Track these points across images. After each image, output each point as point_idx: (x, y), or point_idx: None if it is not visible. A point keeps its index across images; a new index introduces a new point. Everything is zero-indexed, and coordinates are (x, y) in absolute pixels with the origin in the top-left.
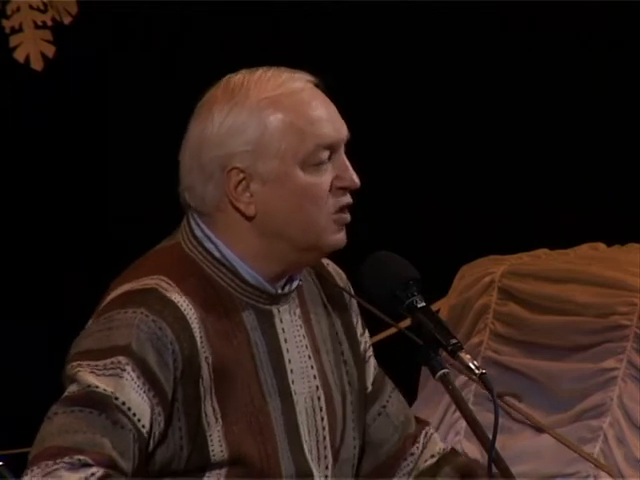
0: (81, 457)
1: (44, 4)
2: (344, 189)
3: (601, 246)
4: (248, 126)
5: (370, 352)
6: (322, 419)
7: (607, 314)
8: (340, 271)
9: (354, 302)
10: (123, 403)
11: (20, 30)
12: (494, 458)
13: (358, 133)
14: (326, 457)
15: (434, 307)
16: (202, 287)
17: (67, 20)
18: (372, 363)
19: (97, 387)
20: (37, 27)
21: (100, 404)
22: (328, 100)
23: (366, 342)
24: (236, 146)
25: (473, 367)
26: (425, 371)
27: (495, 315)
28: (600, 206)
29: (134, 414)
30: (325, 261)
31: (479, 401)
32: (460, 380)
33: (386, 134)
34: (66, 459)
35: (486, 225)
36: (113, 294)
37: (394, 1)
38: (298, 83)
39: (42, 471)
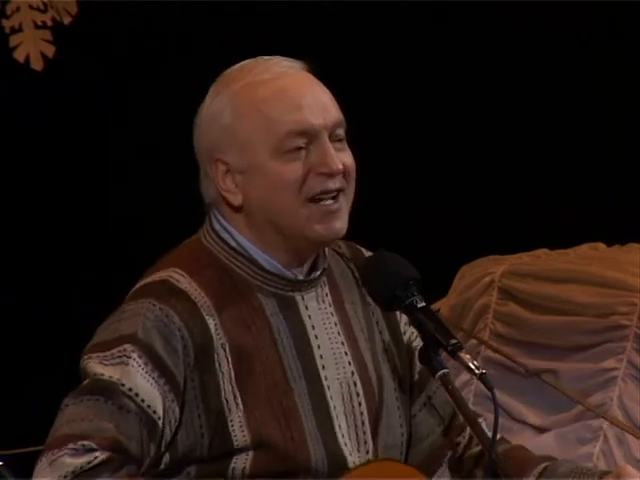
0: (85, 442)
1: (44, 4)
2: (324, 175)
3: (601, 246)
4: (223, 113)
5: (417, 342)
6: (359, 404)
7: (607, 314)
8: None
9: None
10: (130, 389)
11: (20, 30)
12: (494, 458)
13: (358, 133)
14: (366, 442)
15: (434, 307)
16: (218, 277)
17: (67, 20)
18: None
19: (102, 375)
20: (37, 27)
21: (106, 391)
22: (316, 86)
23: (412, 332)
24: (216, 136)
25: (473, 367)
26: None
27: (495, 315)
28: (600, 206)
29: (142, 400)
30: (359, 247)
31: (479, 401)
32: (460, 380)
33: (386, 134)
34: (70, 445)
35: (486, 225)
36: (132, 290)
37: (395, 0)
38: (282, 69)
39: (48, 459)
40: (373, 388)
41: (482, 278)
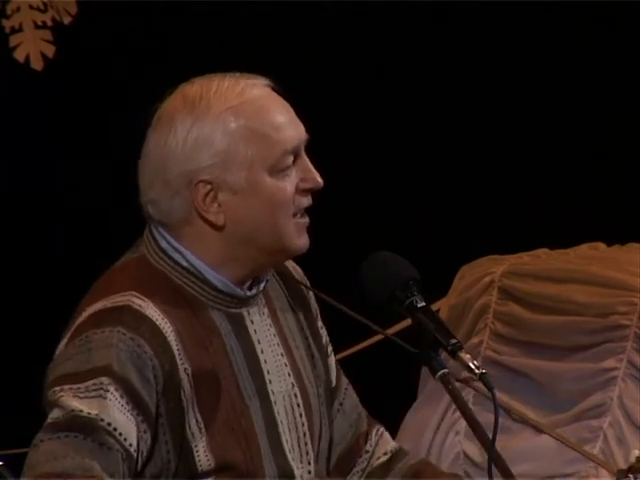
0: None
1: (44, 4)
2: (308, 191)
3: (601, 246)
4: (214, 139)
5: (330, 346)
6: (300, 415)
7: (607, 314)
8: (296, 266)
9: (312, 296)
10: (109, 424)
11: (20, 30)
12: (494, 458)
13: (358, 134)
14: (308, 453)
15: (434, 307)
16: (173, 299)
17: (67, 20)
18: (333, 357)
19: (81, 411)
20: (37, 27)
21: (85, 427)
22: (286, 103)
23: (326, 335)
24: (203, 160)
25: (473, 367)
26: (425, 371)
27: (495, 315)
28: (600, 206)
29: (120, 434)
30: None
31: (479, 401)
32: None
33: (386, 134)
34: None
35: (486, 225)
36: (85, 314)
37: (393, 1)
38: (257, 90)
39: None
40: (309, 398)
41: (482, 278)
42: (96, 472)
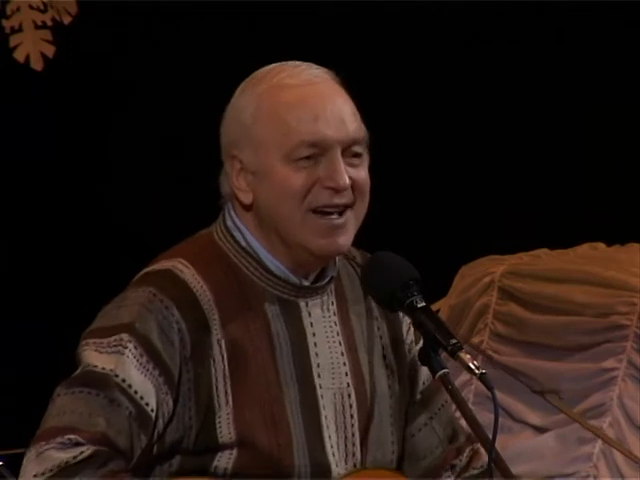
0: (72, 436)
1: (44, 4)
2: (330, 189)
3: (601, 246)
4: (245, 112)
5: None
6: (352, 416)
7: (607, 314)
8: None
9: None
10: (123, 380)
11: (20, 30)
12: (494, 458)
13: None
14: (354, 455)
15: (434, 307)
16: (224, 274)
17: (67, 20)
18: (423, 373)
19: (96, 366)
20: (37, 27)
21: (99, 383)
22: (339, 98)
23: (417, 350)
24: (234, 132)
25: (473, 367)
26: None
27: (495, 315)
28: (600, 206)
29: (135, 391)
30: None
31: (479, 401)
32: (460, 380)
33: (386, 134)
34: (58, 439)
35: (486, 225)
36: (137, 276)
37: (397, 1)
38: (308, 76)
39: (36, 452)
40: (367, 401)
41: (482, 278)
42: (100, 427)
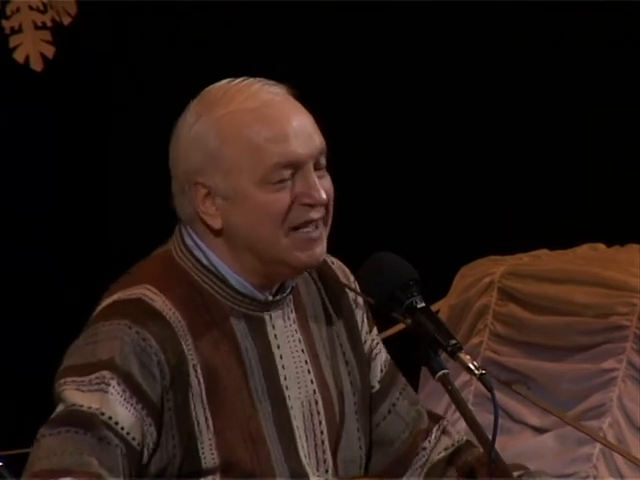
0: (68, 479)
1: (44, 4)
2: (308, 205)
3: (601, 246)
4: (208, 139)
5: (378, 349)
6: (320, 423)
7: (607, 314)
8: (346, 269)
9: (360, 300)
10: (110, 418)
11: (20, 31)
12: (494, 458)
13: (358, 134)
14: (325, 461)
15: (434, 307)
16: (190, 295)
17: (67, 20)
18: (380, 361)
19: (81, 405)
20: (37, 28)
21: (85, 422)
22: (301, 114)
23: (373, 340)
24: (197, 160)
25: (473, 368)
26: (425, 371)
27: (495, 315)
28: (600, 206)
29: (122, 428)
30: (330, 259)
31: (479, 401)
32: (460, 380)
33: (386, 134)
34: None
35: (486, 225)
36: (100, 306)
37: (394, 1)
38: (267, 96)
39: None
40: (333, 406)
41: (482, 278)
42: (93, 467)
